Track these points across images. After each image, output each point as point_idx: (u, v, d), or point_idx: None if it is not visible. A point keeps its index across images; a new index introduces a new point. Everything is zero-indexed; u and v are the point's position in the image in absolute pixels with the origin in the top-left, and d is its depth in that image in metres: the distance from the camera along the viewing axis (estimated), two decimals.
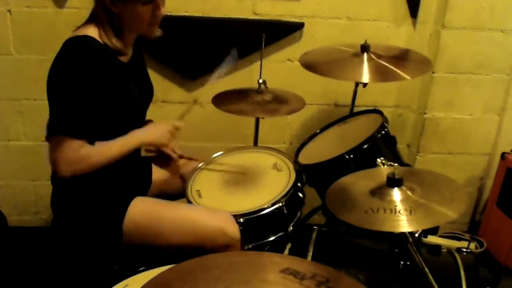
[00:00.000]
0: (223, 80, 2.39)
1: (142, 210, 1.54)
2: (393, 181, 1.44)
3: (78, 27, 1.49)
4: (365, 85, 2.06)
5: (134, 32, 1.55)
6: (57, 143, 1.41)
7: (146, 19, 1.49)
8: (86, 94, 1.40)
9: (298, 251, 1.74)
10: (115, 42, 1.47)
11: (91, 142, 1.45)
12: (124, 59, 1.54)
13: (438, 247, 1.89)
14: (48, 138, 1.43)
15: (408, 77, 1.80)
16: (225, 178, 1.76)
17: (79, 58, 1.40)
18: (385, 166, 1.59)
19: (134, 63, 1.62)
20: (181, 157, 1.88)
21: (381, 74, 1.87)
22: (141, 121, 1.70)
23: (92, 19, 1.48)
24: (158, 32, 1.58)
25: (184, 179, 1.85)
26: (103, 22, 1.46)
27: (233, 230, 1.51)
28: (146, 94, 1.69)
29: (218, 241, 1.49)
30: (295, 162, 1.82)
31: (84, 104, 1.40)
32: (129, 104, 1.56)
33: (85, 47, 1.41)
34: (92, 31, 1.45)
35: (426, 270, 1.55)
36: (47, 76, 1.46)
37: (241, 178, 1.76)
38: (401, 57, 2.02)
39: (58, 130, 1.41)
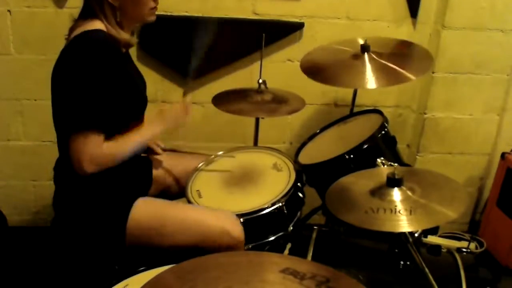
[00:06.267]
0: (223, 80, 2.41)
1: (146, 211, 1.53)
2: (393, 181, 1.44)
3: (80, 22, 1.48)
4: None
5: (134, 21, 1.56)
6: (79, 140, 1.40)
7: (147, 5, 1.52)
8: (105, 88, 1.42)
9: (298, 251, 1.73)
10: (123, 35, 1.50)
11: (111, 135, 1.46)
12: (123, 50, 1.57)
13: (438, 247, 1.89)
14: (66, 137, 1.42)
15: (412, 77, 1.77)
16: (225, 178, 1.76)
17: (97, 53, 1.41)
18: (385, 166, 1.60)
19: (128, 54, 1.65)
20: (164, 150, 1.87)
21: (385, 77, 1.83)
22: (144, 109, 1.70)
23: (92, 16, 1.48)
24: (154, 17, 1.59)
25: (178, 182, 1.84)
26: (108, 16, 1.47)
27: (237, 230, 1.51)
28: (143, 81, 1.71)
29: (222, 241, 1.48)
30: (295, 162, 1.82)
31: (103, 98, 1.42)
32: (136, 93, 1.59)
33: (100, 42, 1.43)
34: (99, 26, 1.46)
35: (426, 270, 1.56)
36: (56, 73, 1.46)
37: (241, 178, 1.76)
38: (402, 53, 2.01)
39: (79, 127, 1.40)
